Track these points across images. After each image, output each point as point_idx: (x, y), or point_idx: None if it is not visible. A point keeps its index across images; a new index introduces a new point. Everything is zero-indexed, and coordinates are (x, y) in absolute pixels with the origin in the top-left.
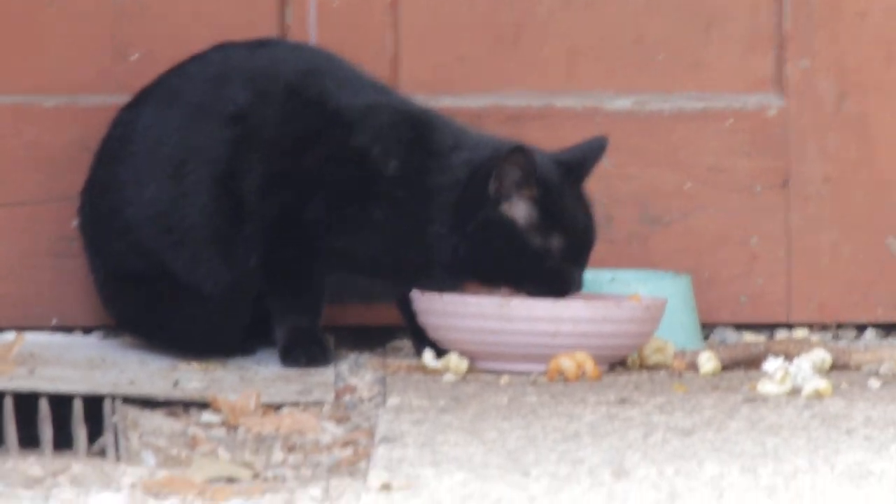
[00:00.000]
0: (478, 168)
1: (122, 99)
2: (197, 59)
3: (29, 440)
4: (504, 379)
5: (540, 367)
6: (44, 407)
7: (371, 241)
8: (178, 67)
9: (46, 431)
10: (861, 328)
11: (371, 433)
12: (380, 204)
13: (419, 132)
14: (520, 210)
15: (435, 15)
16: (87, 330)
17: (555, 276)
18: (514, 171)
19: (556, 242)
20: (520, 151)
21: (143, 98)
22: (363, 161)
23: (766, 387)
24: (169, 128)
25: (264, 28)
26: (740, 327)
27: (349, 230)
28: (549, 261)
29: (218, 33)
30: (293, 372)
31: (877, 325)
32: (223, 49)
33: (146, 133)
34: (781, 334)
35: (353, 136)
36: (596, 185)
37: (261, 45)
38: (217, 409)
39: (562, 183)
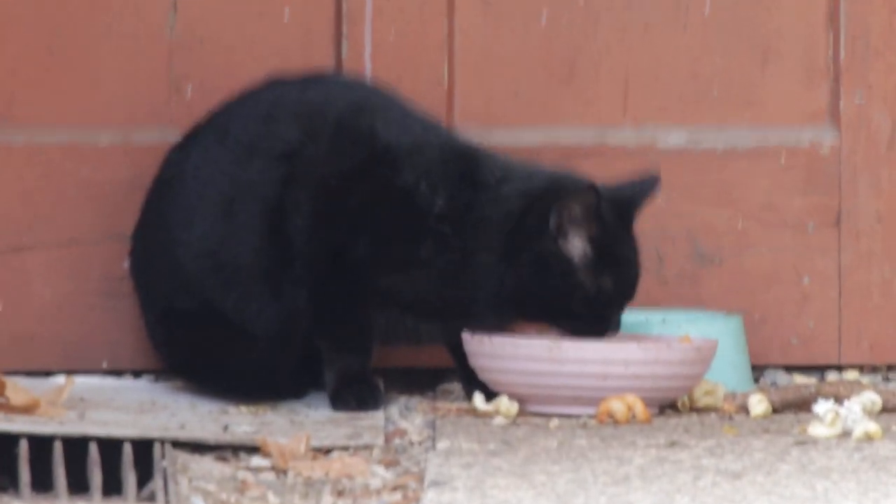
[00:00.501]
0: (536, 199)
1: (176, 134)
2: (247, 97)
3: (78, 485)
4: (554, 422)
5: (590, 410)
6: (93, 451)
7: (417, 280)
8: (228, 105)
9: (96, 476)
10: None
11: (421, 477)
12: (426, 242)
13: (466, 167)
14: (576, 247)
15: (489, 49)
16: (137, 373)
17: (598, 317)
18: (579, 207)
19: (606, 283)
20: (591, 190)
21: (193, 137)
22: (409, 199)
23: (816, 429)
24: (219, 166)
25: (320, 61)
26: (791, 369)
27: (396, 269)
28: (596, 301)
29: (273, 66)
30: (343, 415)
31: None
32: (274, 85)
33: (196, 172)
34: (832, 376)
35: (400, 174)
36: (647, 223)
37: (312, 80)
38: (267, 453)
39: (617, 222)
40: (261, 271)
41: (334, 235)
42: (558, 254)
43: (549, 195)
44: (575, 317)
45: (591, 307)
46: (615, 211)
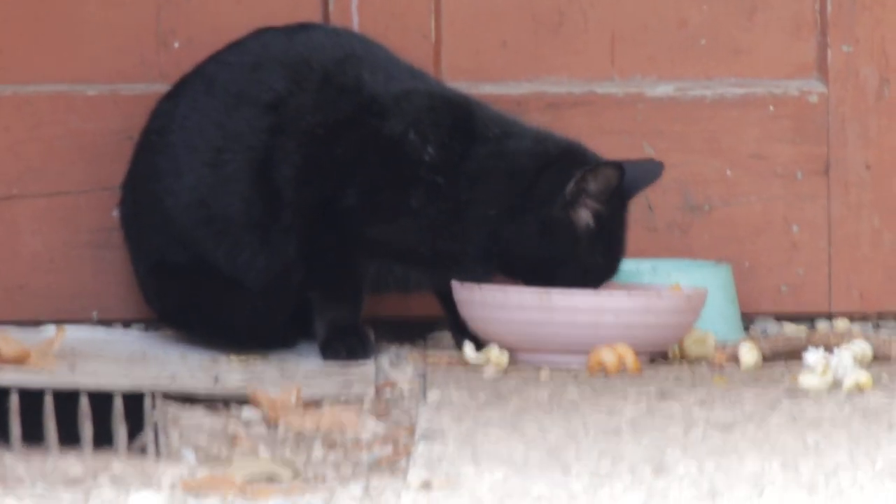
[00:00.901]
0: (552, 162)
1: (165, 87)
2: (235, 47)
3: (69, 437)
4: (545, 373)
5: (580, 360)
6: (84, 404)
7: (407, 229)
8: (216, 56)
9: (87, 429)
10: None
11: (411, 429)
12: (417, 191)
13: (458, 118)
14: (582, 218)
15: (476, 1)
16: (127, 324)
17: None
18: (601, 182)
19: (598, 259)
20: (619, 168)
21: (182, 87)
22: (398, 147)
23: (806, 380)
24: (207, 116)
25: (307, 14)
26: (781, 317)
27: (385, 218)
28: (586, 274)
29: (260, 19)
30: (333, 366)
31: None
32: (261, 36)
33: (184, 122)
34: (822, 325)
35: (388, 123)
36: None
37: (299, 30)
38: (257, 405)
39: (620, 203)
40: (250, 221)
41: (322, 185)
42: (565, 221)
43: (568, 161)
44: (562, 282)
45: (579, 279)
46: (621, 191)
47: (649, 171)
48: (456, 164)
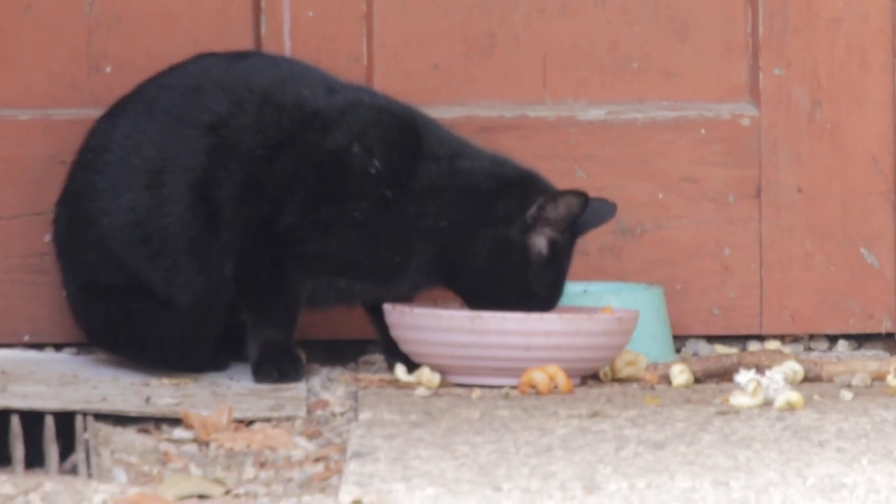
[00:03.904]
0: (512, 184)
1: (97, 112)
2: (175, 69)
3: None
4: (476, 393)
5: (512, 381)
6: (15, 424)
7: (351, 241)
8: (156, 77)
9: (18, 449)
10: (833, 339)
11: (343, 448)
12: (360, 203)
13: (405, 132)
14: (537, 244)
15: (409, 24)
16: (58, 346)
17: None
18: (561, 210)
19: (545, 287)
20: (584, 199)
21: (121, 107)
22: (340, 161)
23: (738, 399)
24: (146, 137)
25: (239, 38)
26: (713, 339)
27: (325, 232)
28: (531, 298)
29: (192, 45)
30: (265, 387)
31: (849, 337)
32: (202, 59)
33: (123, 142)
34: (754, 346)
35: (329, 137)
36: None
37: (239, 56)
38: (189, 425)
39: (571, 235)
40: (188, 241)
41: (261, 204)
42: (520, 244)
43: (528, 186)
44: (503, 303)
45: (523, 303)
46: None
47: (602, 212)
48: (403, 179)
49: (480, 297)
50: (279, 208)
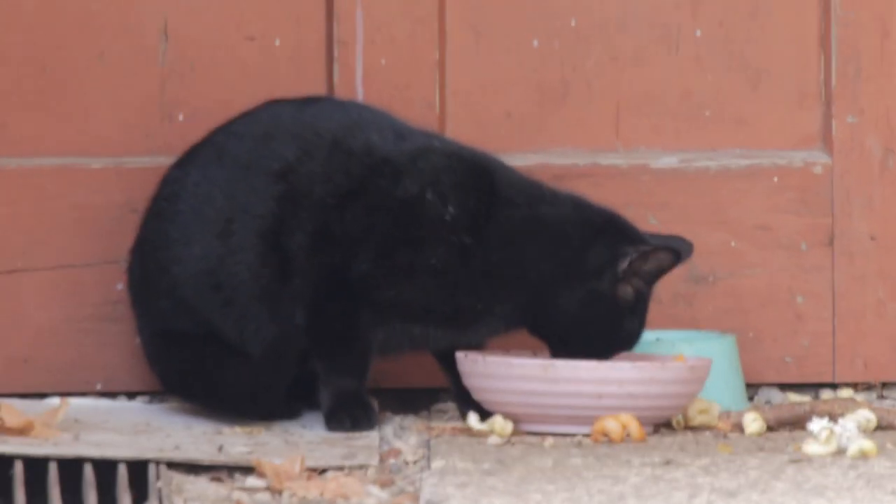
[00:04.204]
0: (600, 235)
1: (169, 160)
2: (245, 117)
3: None
4: (549, 441)
5: (585, 429)
6: (88, 472)
7: (427, 287)
8: (226, 125)
9: (91, 497)
10: None
11: (416, 497)
12: (437, 250)
13: (478, 177)
14: (626, 293)
15: (481, 72)
16: (131, 395)
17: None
18: (652, 265)
19: (630, 330)
20: (675, 255)
21: (192, 155)
22: (413, 208)
23: (811, 447)
24: (216, 185)
25: (312, 86)
26: (785, 387)
27: (401, 279)
28: (619, 341)
29: (265, 93)
30: (338, 435)
31: None
32: (270, 107)
33: (194, 190)
34: (827, 394)
35: (401, 184)
36: None
37: (308, 101)
38: (262, 474)
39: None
40: (259, 290)
41: (333, 252)
42: (612, 295)
43: (615, 234)
44: (590, 350)
45: (610, 348)
46: None
47: (682, 251)
48: (480, 224)
49: (567, 343)
50: (351, 256)
